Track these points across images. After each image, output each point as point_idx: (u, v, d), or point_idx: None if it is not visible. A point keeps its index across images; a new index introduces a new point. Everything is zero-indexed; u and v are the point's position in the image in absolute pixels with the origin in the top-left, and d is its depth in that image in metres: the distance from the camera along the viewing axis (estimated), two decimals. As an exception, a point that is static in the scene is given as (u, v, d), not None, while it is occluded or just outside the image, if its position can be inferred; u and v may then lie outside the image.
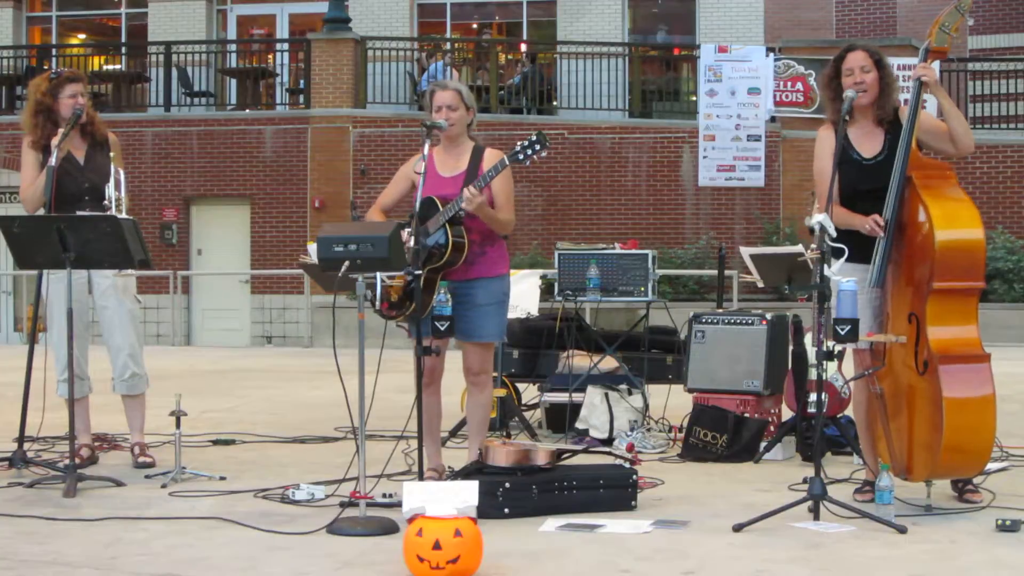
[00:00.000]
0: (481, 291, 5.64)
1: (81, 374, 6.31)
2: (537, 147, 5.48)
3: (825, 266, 5.01)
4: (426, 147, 5.45)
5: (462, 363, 5.77)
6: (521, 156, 5.48)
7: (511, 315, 8.01)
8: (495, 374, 7.37)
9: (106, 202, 6.17)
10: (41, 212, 6.10)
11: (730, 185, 18.05)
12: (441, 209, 5.51)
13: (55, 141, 6.09)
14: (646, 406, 7.45)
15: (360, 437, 4.92)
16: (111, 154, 6.31)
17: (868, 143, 5.35)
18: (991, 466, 5.60)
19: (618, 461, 5.45)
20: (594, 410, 7.33)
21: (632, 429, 7.17)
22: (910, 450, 5.15)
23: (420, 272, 5.25)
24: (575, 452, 5.78)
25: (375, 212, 5.86)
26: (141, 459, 6.33)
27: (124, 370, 6.35)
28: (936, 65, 5.43)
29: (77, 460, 5.85)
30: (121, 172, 6.26)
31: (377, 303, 5.41)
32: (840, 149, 5.26)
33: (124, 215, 6.02)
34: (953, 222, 5.05)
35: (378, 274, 5.30)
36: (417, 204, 5.40)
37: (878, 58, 5.34)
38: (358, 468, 4.89)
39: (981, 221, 5.13)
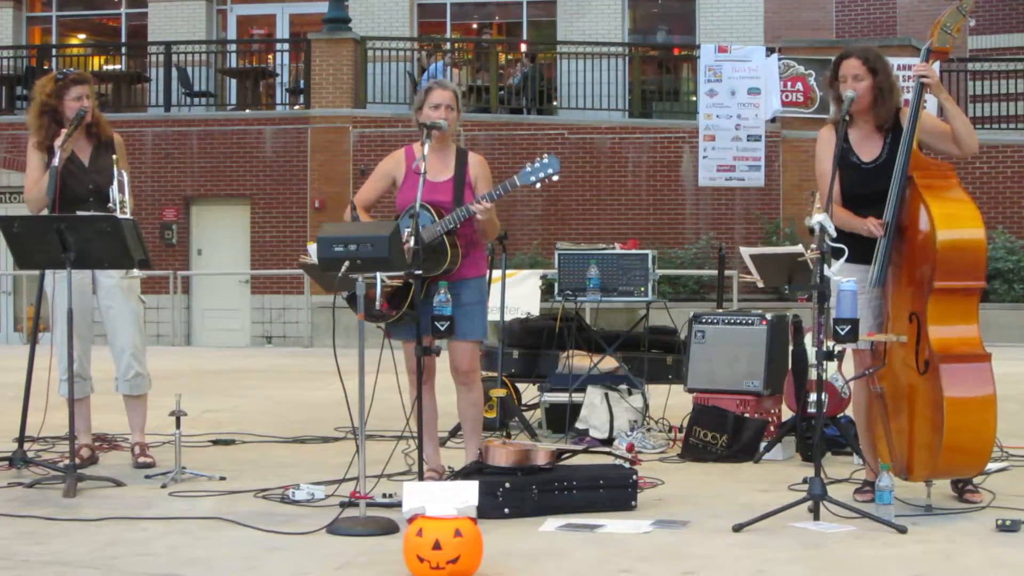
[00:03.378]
0: (467, 291, 5.68)
1: (83, 374, 6.31)
2: (549, 170, 5.54)
3: (825, 266, 5.01)
4: (426, 147, 5.45)
5: (450, 363, 5.76)
6: (532, 177, 5.55)
7: (511, 316, 8.04)
8: (495, 374, 7.38)
9: (110, 204, 6.17)
10: (45, 212, 6.11)
11: (730, 185, 18.04)
12: (436, 220, 5.53)
13: (58, 142, 6.09)
14: (646, 406, 7.45)
15: (360, 437, 4.92)
16: (115, 155, 6.31)
17: (867, 147, 5.35)
18: (991, 466, 5.60)
19: (618, 461, 5.45)
20: (594, 410, 7.33)
21: (632, 429, 7.17)
22: (911, 450, 5.15)
23: (420, 272, 5.25)
24: (575, 452, 5.78)
25: (359, 210, 5.81)
26: (141, 459, 6.34)
27: (128, 370, 6.35)
28: (936, 65, 5.43)
29: (77, 460, 5.86)
30: (124, 174, 6.25)
31: (377, 303, 5.41)
32: (840, 151, 5.27)
33: (127, 216, 6.02)
34: (954, 222, 5.06)
35: (378, 274, 5.30)
36: (418, 203, 5.39)
37: (871, 65, 5.31)
38: (358, 468, 4.89)
39: (982, 221, 5.13)
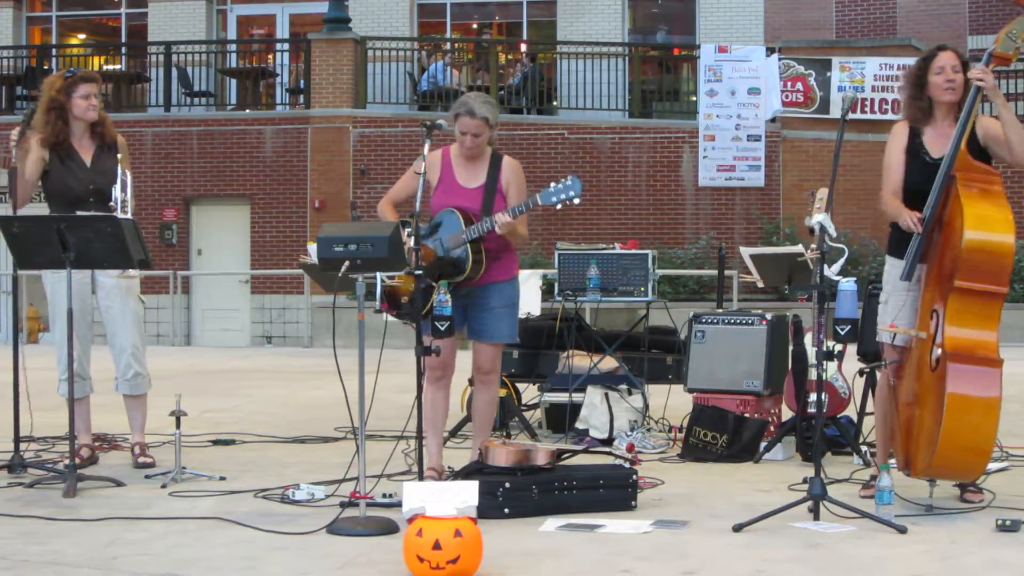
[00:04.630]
0: (495, 294, 5.75)
1: (83, 374, 6.32)
2: (571, 193, 5.59)
3: (825, 266, 5.03)
4: (426, 147, 5.45)
5: (472, 362, 5.81)
6: (554, 198, 5.61)
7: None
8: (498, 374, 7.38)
9: (111, 203, 6.17)
10: (46, 211, 6.13)
11: (730, 185, 18.05)
12: (463, 227, 5.57)
13: (13, 136, 6.12)
14: (646, 406, 7.45)
15: (360, 437, 4.92)
16: (118, 155, 6.30)
17: (940, 144, 5.37)
18: (991, 466, 5.60)
19: (618, 461, 5.45)
20: (594, 410, 7.33)
21: (632, 429, 7.17)
22: (915, 444, 5.16)
23: (420, 272, 5.26)
24: (575, 452, 5.79)
25: (387, 206, 5.86)
26: (141, 459, 6.33)
27: (127, 370, 6.36)
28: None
29: (77, 460, 5.85)
30: (127, 174, 6.24)
31: (377, 303, 5.42)
32: (912, 146, 5.37)
33: (127, 216, 6.02)
34: (984, 224, 5.05)
35: (378, 274, 5.31)
36: (418, 203, 5.41)
37: (965, 60, 5.41)
38: (358, 468, 4.89)
39: (1014, 229, 5.13)
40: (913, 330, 5.24)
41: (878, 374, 5.64)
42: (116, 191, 6.17)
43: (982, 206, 5.09)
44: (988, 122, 5.36)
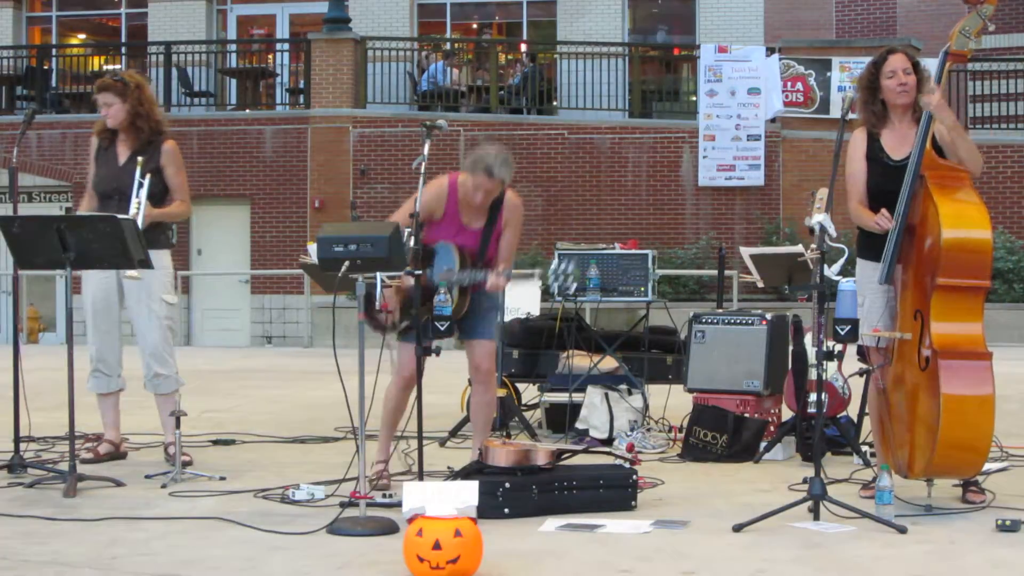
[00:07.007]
0: (487, 297, 5.82)
1: (106, 370, 6.37)
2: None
3: (825, 266, 5.03)
4: (426, 147, 5.45)
5: (471, 362, 5.82)
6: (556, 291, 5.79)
7: (511, 316, 8.07)
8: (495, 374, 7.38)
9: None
10: (39, 210, 6.17)
11: (730, 185, 18.05)
12: (456, 261, 5.62)
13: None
14: (646, 406, 7.45)
15: (360, 437, 4.92)
16: (139, 159, 6.20)
17: (899, 145, 5.38)
18: (991, 466, 5.60)
19: (618, 461, 5.45)
20: (594, 410, 7.33)
21: (632, 429, 7.17)
22: (910, 447, 5.16)
23: (419, 273, 5.26)
24: (575, 452, 5.78)
25: (399, 218, 5.84)
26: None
27: (147, 370, 6.42)
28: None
29: (92, 456, 6.17)
30: (148, 178, 6.13)
31: (377, 304, 5.41)
32: (872, 151, 5.37)
33: (139, 221, 5.97)
34: (961, 222, 5.06)
35: (378, 274, 5.31)
36: (417, 204, 5.41)
37: (915, 61, 5.41)
38: (358, 468, 4.89)
39: (990, 223, 5.14)
40: (897, 332, 5.24)
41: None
42: (133, 194, 6.16)
43: (955, 204, 5.10)
44: (941, 129, 5.34)
